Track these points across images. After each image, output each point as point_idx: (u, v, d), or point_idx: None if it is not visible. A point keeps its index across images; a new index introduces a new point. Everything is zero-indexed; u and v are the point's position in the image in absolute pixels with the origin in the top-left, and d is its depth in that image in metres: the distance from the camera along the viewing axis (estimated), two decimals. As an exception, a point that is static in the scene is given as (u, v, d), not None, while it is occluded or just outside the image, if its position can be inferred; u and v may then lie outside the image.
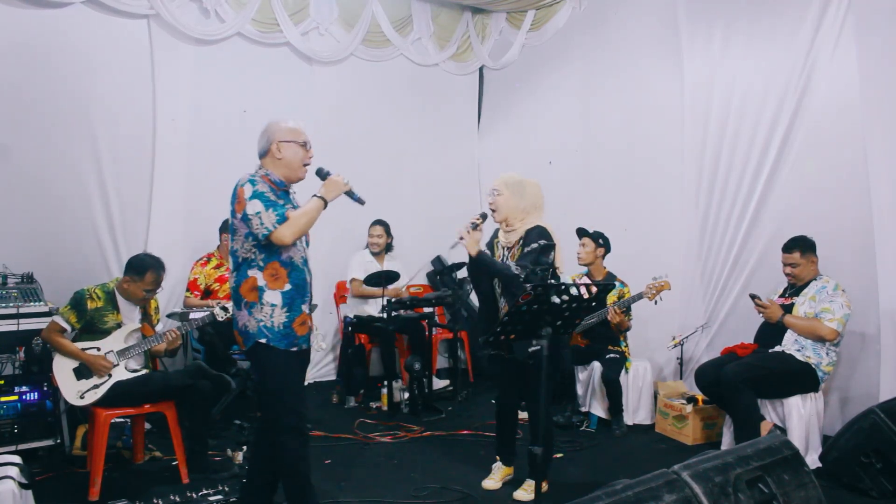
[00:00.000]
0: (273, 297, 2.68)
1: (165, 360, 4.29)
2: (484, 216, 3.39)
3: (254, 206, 2.62)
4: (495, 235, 3.53)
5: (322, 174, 2.86)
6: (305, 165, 2.82)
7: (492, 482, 3.55)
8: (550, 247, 3.25)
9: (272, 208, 2.63)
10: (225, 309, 3.68)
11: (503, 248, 3.43)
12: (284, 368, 2.74)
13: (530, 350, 3.07)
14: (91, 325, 3.55)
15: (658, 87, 5.11)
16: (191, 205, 5.05)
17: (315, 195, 2.77)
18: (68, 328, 3.52)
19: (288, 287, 2.71)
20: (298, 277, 2.76)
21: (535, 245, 3.24)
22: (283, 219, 2.63)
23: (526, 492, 3.37)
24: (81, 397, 3.41)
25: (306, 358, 2.91)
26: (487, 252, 3.39)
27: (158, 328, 3.87)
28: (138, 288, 3.62)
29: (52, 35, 4.51)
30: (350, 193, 2.85)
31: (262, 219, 2.61)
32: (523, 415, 4.42)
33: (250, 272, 2.69)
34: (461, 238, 3.27)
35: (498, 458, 3.64)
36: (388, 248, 5.56)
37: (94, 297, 3.58)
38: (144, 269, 3.60)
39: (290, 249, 2.72)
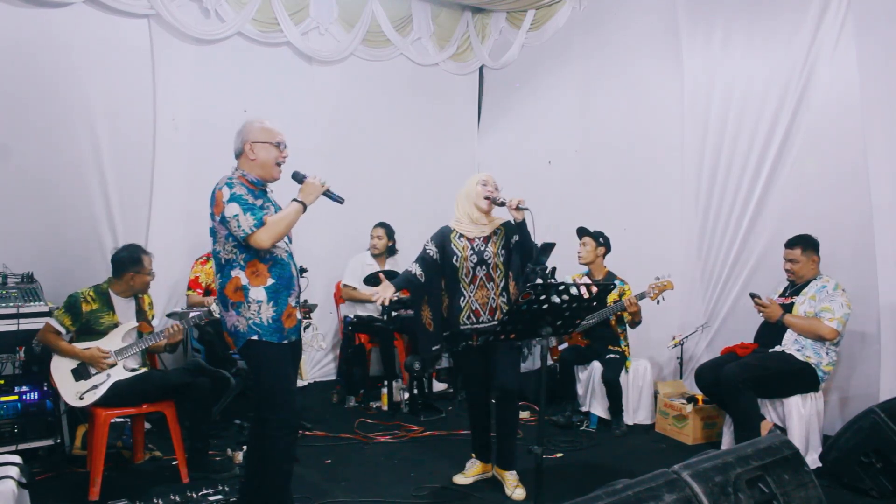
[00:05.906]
0: (257, 293, 2.72)
1: (165, 357, 4.30)
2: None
3: (231, 210, 2.66)
4: (451, 229, 3.44)
5: (298, 178, 2.88)
6: (279, 165, 2.85)
7: (462, 477, 3.55)
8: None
9: (250, 212, 2.67)
10: None
11: (469, 238, 3.38)
12: (278, 363, 2.78)
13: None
14: (88, 327, 3.55)
15: (658, 87, 5.11)
16: (191, 205, 5.03)
17: (294, 199, 2.79)
18: (63, 331, 3.52)
19: (271, 282, 2.75)
20: (283, 271, 2.80)
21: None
22: (260, 223, 2.67)
23: (522, 489, 3.37)
24: (81, 398, 3.41)
25: (298, 350, 2.97)
26: None
27: (154, 323, 3.86)
28: (140, 279, 3.67)
29: (52, 35, 4.50)
30: (328, 194, 2.87)
31: (240, 222, 2.65)
32: (524, 414, 4.46)
33: (234, 272, 2.73)
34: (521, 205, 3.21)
35: (473, 454, 3.64)
36: (391, 251, 5.53)
37: (88, 299, 3.58)
38: (123, 269, 3.66)
39: None
